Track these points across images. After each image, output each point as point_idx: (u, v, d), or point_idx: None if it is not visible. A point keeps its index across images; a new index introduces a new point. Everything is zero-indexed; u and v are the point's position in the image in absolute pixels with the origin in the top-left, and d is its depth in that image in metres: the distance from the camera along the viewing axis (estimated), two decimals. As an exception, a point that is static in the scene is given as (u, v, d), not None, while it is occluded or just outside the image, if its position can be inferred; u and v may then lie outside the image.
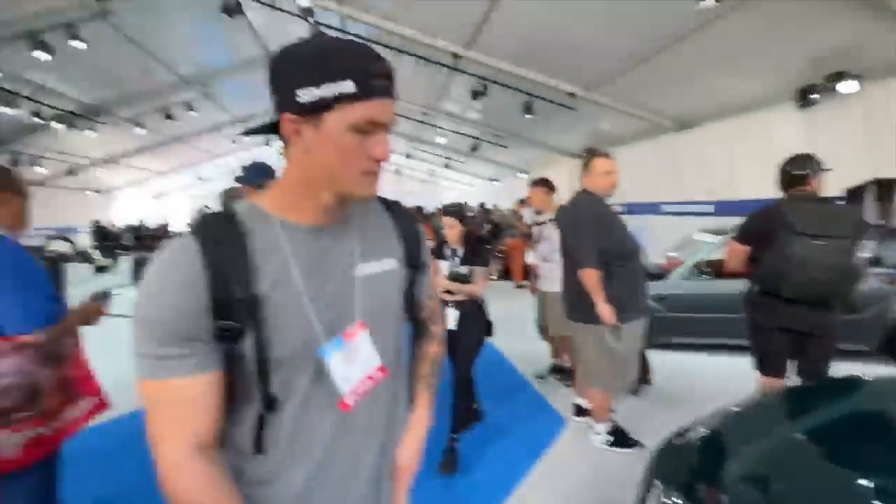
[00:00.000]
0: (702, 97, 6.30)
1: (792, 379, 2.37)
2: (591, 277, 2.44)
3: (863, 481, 1.30)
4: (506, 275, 8.71)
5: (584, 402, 2.97)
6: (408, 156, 16.15)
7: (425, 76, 7.82)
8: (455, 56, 6.42)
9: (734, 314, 4.00)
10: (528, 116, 7.59)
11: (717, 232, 4.56)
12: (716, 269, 4.32)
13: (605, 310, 2.43)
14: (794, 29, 4.37)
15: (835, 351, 2.43)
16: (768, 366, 2.46)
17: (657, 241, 6.67)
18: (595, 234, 2.48)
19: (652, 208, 9.60)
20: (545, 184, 3.66)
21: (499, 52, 6.26)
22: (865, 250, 2.52)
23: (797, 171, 2.36)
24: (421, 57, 6.70)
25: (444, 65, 6.78)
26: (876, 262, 3.75)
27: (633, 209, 9.01)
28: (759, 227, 2.38)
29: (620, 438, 2.67)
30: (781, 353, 2.44)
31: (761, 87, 5.55)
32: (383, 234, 0.89)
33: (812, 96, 5.04)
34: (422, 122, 11.08)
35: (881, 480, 1.27)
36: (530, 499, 2.29)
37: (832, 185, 2.48)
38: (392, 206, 0.95)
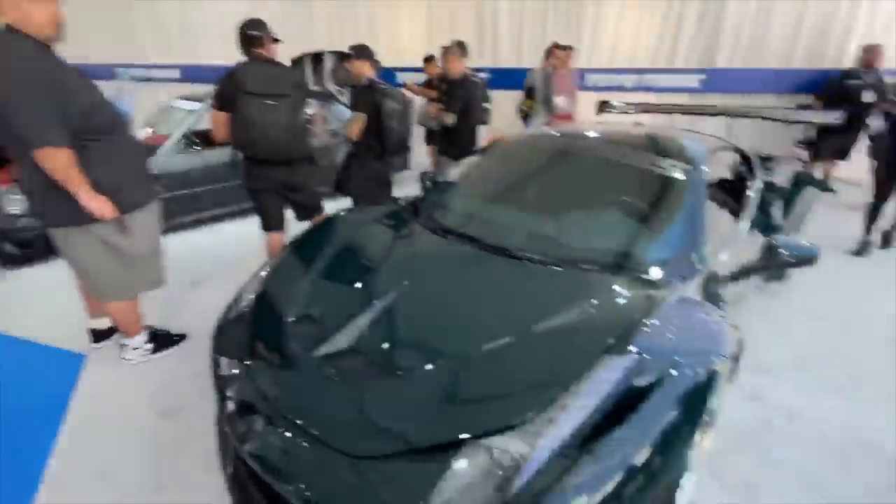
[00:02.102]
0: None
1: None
2: (59, 159, 1.74)
3: (362, 284, 1.71)
4: None
5: (100, 324, 2.36)
6: None
7: None
8: None
9: (233, 182, 4.17)
10: None
11: (196, 98, 4.27)
12: (206, 139, 4.17)
13: (94, 201, 1.85)
14: None
15: (318, 196, 2.99)
16: (269, 223, 2.76)
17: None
18: (49, 96, 1.71)
19: (104, 72, 7.82)
20: None
21: None
22: (309, 109, 3.11)
23: (252, 32, 2.46)
24: None
25: None
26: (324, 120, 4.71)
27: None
28: (225, 91, 2.44)
29: (163, 340, 2.36)
30: (276, 210, 2.77)
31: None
32: None
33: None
34: None
35: (379, 278, 1.72)
36: (71, 471, 1.72)
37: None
38: None
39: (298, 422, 1.24)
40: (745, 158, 2.73)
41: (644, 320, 1.35)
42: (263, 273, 1.93)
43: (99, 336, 2.39)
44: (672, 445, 1.13)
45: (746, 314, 2.24)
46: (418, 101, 5.11)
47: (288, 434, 1.23)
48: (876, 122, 4.32)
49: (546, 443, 1.08)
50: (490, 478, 1.05)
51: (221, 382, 1.47)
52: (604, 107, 4.53)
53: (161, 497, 1.61)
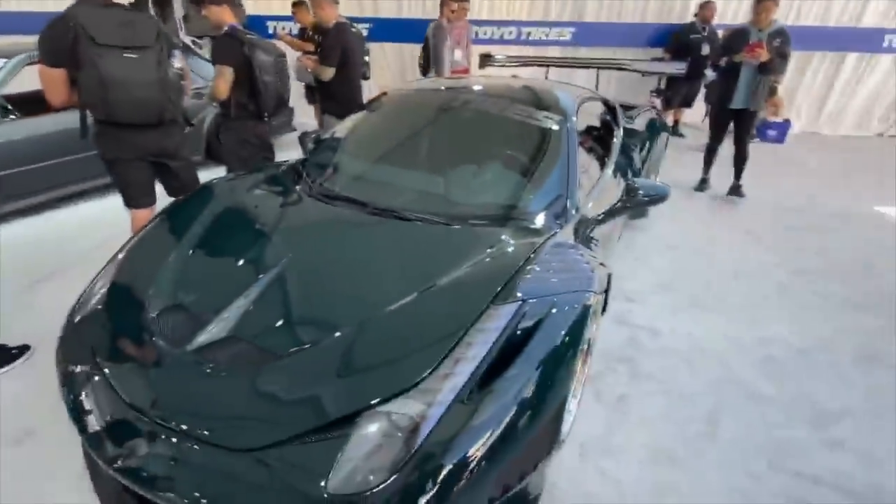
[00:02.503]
0: None
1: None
2: None
3: (239, 262, 1.58)
4: None
5: None
6: None
7: None
8: None
9: (72, 155, 3.51)
10: None
11: (5, 54, 3.42)
12: (26, 104, 3.41)
13: None
14: None
15: (193, 166, 2.63)
16: (136, 198, 2.37)
17: None
18: None
19: None
20: None
21: None
22: (176, 62, 2.64)
23: None
24: None
25: None
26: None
27: None
28: (60, 43, 1.94)
29: (2, 355, 1.98)
30: (144, 181, 2.38)
31: None
32: None
33: None
34: None
35: (258, 253, 1.60)
36: None
37: None
38: None
39: (177, 426, 1.12)
40: (610, 108, 2.97)
41: (526, 267, 1.43)
42: (119, 257, 1.68)
43: None
44: (556, 375, 1.24)
45: (615, 250, 2.50)
46: (293, 55, 4.69)
47: (166, 441, 1.11)
48: (710, 72, 4.96)
49: (441, 397, 1.11)
50: (391, 442, 1.05)
51: (75, 396, 1.27)
52: (486, 60, 4.58)
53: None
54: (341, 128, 2.47)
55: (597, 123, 2.73)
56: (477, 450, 1.06)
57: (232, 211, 1.87)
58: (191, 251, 1.64)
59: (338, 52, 3.16)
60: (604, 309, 1.90)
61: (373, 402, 1.11)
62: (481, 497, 1.09)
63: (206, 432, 1.10)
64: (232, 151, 2.81)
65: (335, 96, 3.29)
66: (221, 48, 2.58)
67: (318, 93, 3.40)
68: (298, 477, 1.03)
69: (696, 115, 6.27)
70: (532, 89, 2.51)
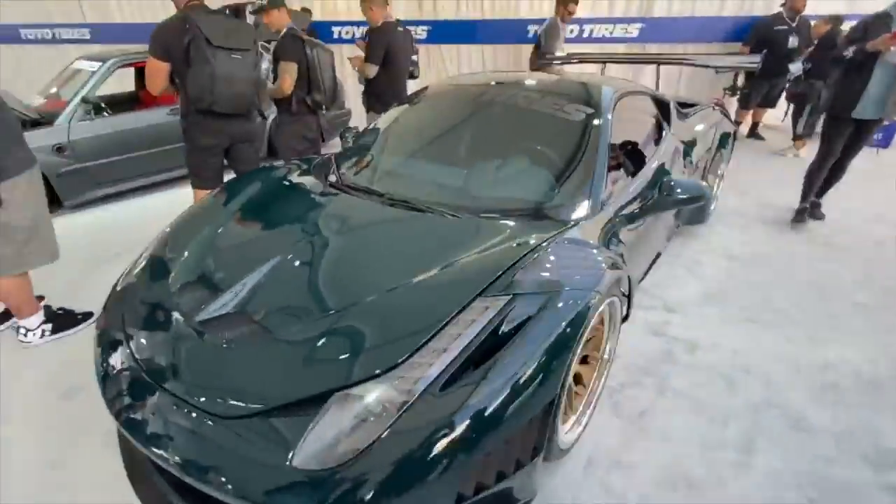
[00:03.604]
0: None
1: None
2: None
3: (256, 243, 1.66)
4: None
5: (-6, 305, 2.21)
6: None
7: None
8: None
9: (155, 149, 3.92)
10: None
11: (101, 59, 3.90)
12: (120, 103, 3.87)
13: None
14: None
15: (259, 154, 2.91)
16: (207, 181, 2.65)
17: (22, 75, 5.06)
18: None
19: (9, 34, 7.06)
20: None
21: None
22: (263, 63, 2.99)
23: None
24: None
25: None
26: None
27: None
28: (174, 41, 2.31)
29: (65, 319, 2.24)
30: (217, 166, 2.69)
31: None
32: None
33: None
34: None
35: (274, 237, 1.67)
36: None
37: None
38: None
39: (172, 390, 1.21)
40: (661, 105, 2.77)
41: (528, 261, 1.36)
42: (164, 231, 1.84)
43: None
44: (541, 376, 1.16)
45: (649, 253, 2.32)
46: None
47: (162, 402, 1.19)
48: (794, 66, 4.46)
49: (415, 386, 1.08)
50: (359, 425, 1.05)
51: (103, 357, 1.41)
52: (540, 59, 4.48)
53: (53, 475, 1.55)
54: (378, 122, 2.52)
55: (643, 119, 2.56)
56: (446, 442, 1.03)
57: (264, 196, 1.98)
58: (220, 229, 1.76)
59: (381, 50, 3.24)
60: (626, 316, 1.77)
61: (345, 384, 1.11)
62: (448, 491, 1.05)
63: (194, 398, 1.17)
64: (289, 146, 3.00)
65: (379, 94, 3.37)
66: (286, 46, 2.79)
67: (363, 91, 3.50)
68: (267, 449, 1.06)
69: (777, 115, 5.68)
70: (570, 83, 2.41)
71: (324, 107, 2.93)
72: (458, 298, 1.25)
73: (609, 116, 2.03)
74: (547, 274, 1.35)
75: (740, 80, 5.20)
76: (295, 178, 2.12)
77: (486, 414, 1.07)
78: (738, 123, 5.73)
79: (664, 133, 2.60)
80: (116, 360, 1.36)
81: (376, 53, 3.24)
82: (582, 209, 1.71)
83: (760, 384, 1.93)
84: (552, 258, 1.41)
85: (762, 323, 2.31)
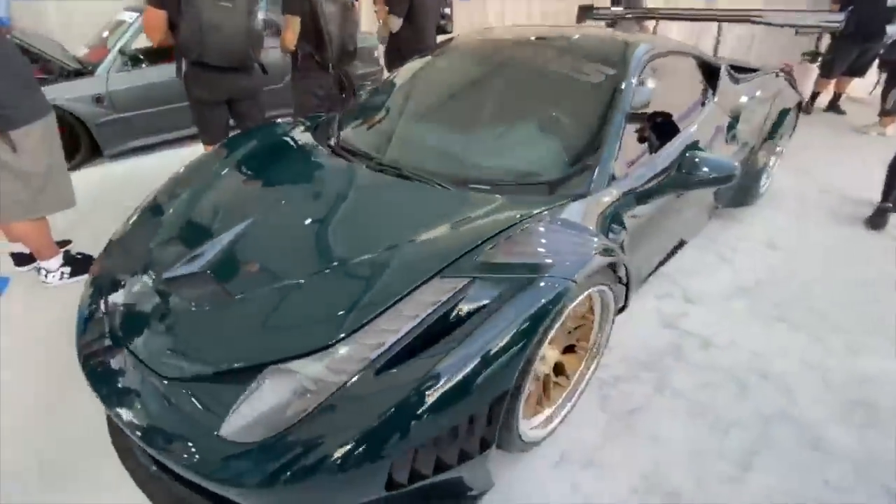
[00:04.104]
0: None
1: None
2: None
3: (235, 202, 1.61)
4: None
5: (20, 247, 2.35)
6: None
7: None
8: None
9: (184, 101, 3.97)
10: None
11: (139, 10, 3.95)
12: (156, 55, 3.92)
13: None
14: None
15: (263, 111, 2.84)
16: (213, 137, 2.64)
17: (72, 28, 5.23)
18: None
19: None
20: None
21: None
22: (260, 14, 2.84)
23: None
24: None
25: None
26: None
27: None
28: None
29: (83, 264, 2.35)
30: (222, 121, 2.68)
31: None
32: None
33: None
34: None
35: (251, 197, 1.62)
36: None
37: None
38: None
39: (130, 344, 1.21)
40: (709, 69, 2.44)
41: (499, 239, 1.24)
42: (159, 186, 1.86)
43: (21, 260, 2.39)
44: (493, 366, 1.05)
45: (697, 239, 2.09)
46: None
47: (117, 355, 1.21)
48: (892, 28, 3.81)
49: (351, 366, 1.02)
50: (289, 400, 1.01)
51: (85, 306, 1.44)
52: (585, 13, 4.08)
53: (48, 418, 1.64)
54: (389, 78, 2.39)
55: (681, 85, 2.26)
56: (376, 426, 0.96)
57: (256, 155, 1.94)
58: (208, 186, 1.74)
59: (406, 1, 3.03)
60: (623, 307, 1.61)
61: (283, 356, 1.06)
62: (378, 475, 0.99)
63: (146, 356, 1.17)
64: (300, 104, 2.92)
65: (401, 49, 3.19)
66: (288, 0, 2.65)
67: (385, 49, 3.33)
68: (199, 415, 1.04)
69: (865, 86, 4.95)
70: (599, 39, 2.15)
71: (329, 64, 2.78)
72: (414, 276, 1.16)
73: (633, 80, 1.79)
74: (515, 256, 1.21)
75: (824, 44, 4.52)
76: (295, 136, 2.06)
77: (426, 402, 0.99)
78: (815, 95, 5.05)
79: (707, 102, 2.29)
80: (93, 310, 1.39)
81: (400, 4, 3.04)
82: (582, 184, 1.53)
83: (778, 393, 1.72)
84: (532, 238, 1.27)
85: (794, 324, 2.06)
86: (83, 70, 3.66)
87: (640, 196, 1.67)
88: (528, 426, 1.37)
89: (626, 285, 1.53)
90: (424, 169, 1.63)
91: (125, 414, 1.11)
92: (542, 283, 1.16)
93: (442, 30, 3.54)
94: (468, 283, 1.12)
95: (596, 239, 1.37)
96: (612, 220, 1.53)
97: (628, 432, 1.56)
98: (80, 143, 3.66)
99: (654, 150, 1.83)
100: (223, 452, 0.98)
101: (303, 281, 1.22)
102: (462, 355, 1.03)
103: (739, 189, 2.68)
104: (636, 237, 1.65)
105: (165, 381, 1.11)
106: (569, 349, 1.56)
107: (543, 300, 1.14)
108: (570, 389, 1.55)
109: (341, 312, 1.12)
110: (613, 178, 1.60)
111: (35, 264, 2.34)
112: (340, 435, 0.96)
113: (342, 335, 1.07)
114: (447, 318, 1.08)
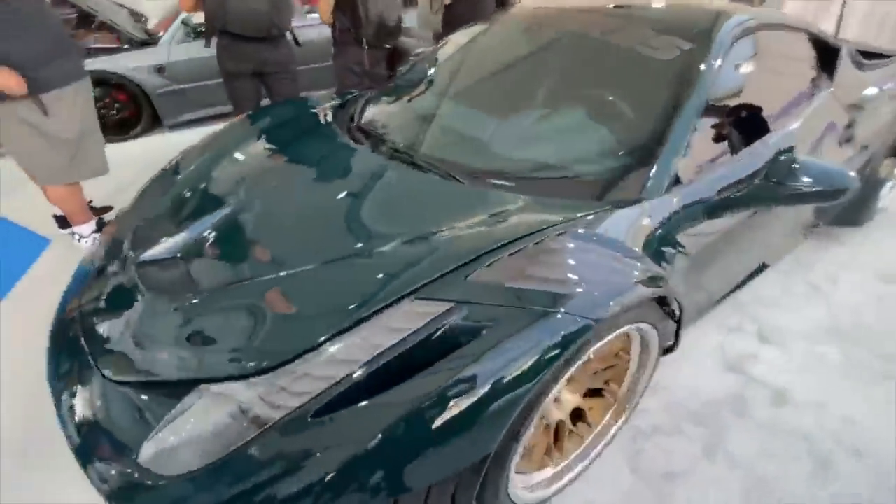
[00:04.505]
0: None
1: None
2: None
3: (228, 185, 1.46)
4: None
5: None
6: None
7: None
8: None
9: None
10: None
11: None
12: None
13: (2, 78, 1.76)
14: None
15: (296, 86, 2.74)
16: (241, 108, 2.61)
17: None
18: None
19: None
20: None
21: None
22: None
23: None
24: None
25: None
26: None
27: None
28: None
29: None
30: (250, 94, 2.63)
31: None
32: None
33: None
34: None
35: (246, 181, 1.46)
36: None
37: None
38: None
39: (93, 330, 1.11)
40: (826, 51, 1.94)
41: (501, 255, 0.97)
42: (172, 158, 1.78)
43: (64, 223, 2.45)
44: (472, 429, 0.81)
45: (781, 262, 1.68)
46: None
47: (77, 340, 1.10)
48: None
49: (287, 402, 0.82)
50: (216, 430, 0.83)
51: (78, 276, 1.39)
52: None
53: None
54: (426, 54, 2.14)
55: (786, 70, 1.80)
56: (305, 480, 0.77)
57: (272, 132, 1.79)
58: (212, 163, 1.62)
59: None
60: (673, 346, 1.28)
61: (217, 376, 0.89)
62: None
63: (94, 346, 1.06)
64: (340, 80, 2.77)
65: (455, 24, 2.90)
66: None
67: (441, 20, 3.07)
68: (126, 431, 0.90)
69: None
70: (681, 8, 1.73)
71: (364, 40, 2.59)
72: (390, 291, 0.93)
73: (718, 60, 1.40)
74: (526, 280, 0.93)
75: None
76: (314, 114, 1.88)
77: (371, 456, 0.77)
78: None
79: (819, 92, 1.82)
80: (75, 287, 1.33)
81: None
82: (632, 187, 1.21)
83: (871, 476, 1.31)
84: (550, 257, 0.99)
85: (893, 383, 1.59)
86: (150, 40, 3.75)
87: (711, 209, 1.31)
88: (527, 484, 1.11)
89: (678, 321, 1.20)
90: (440, 157, 1.38)
91: (65, 401, 1.00)
92: (552, 320, 0.88)
93: (503, 2, 3.21)
94: (450, 309, 0.87)
95: (639, 263, 1.06)
96: (667, 236, 1.20)
97: (658, 502, 1.25)
98: (142, 112, 3.78)
99: (735, 149, 1.44)
100: (135, 481, 0.82)
101: (266, 281, 1.04)
102: (426, 404, 0.80)
103: (850, 204, 2.14)
104: (699, 260, 1.30)
105: (103, 380, 0.98)
106: (594, 391, 1.27)
107: (554, 344, 0.86)
108: (591, 442, 1.26)
109: (295, 330, 0.92)
110: (677, 182, 1.26)
111: (71, 228, 2.39)
112: (260, 486, 0.77)
113: (288, 358, 0.87)
114: (413, 352, 0.84)
